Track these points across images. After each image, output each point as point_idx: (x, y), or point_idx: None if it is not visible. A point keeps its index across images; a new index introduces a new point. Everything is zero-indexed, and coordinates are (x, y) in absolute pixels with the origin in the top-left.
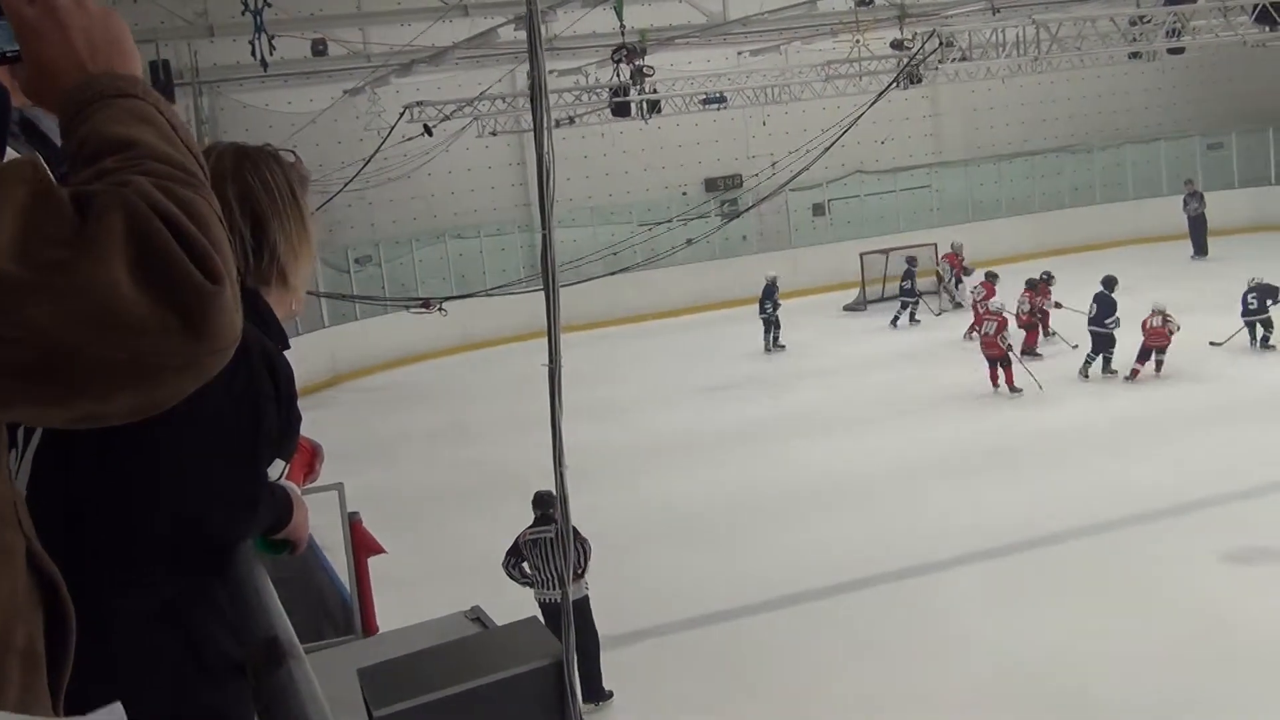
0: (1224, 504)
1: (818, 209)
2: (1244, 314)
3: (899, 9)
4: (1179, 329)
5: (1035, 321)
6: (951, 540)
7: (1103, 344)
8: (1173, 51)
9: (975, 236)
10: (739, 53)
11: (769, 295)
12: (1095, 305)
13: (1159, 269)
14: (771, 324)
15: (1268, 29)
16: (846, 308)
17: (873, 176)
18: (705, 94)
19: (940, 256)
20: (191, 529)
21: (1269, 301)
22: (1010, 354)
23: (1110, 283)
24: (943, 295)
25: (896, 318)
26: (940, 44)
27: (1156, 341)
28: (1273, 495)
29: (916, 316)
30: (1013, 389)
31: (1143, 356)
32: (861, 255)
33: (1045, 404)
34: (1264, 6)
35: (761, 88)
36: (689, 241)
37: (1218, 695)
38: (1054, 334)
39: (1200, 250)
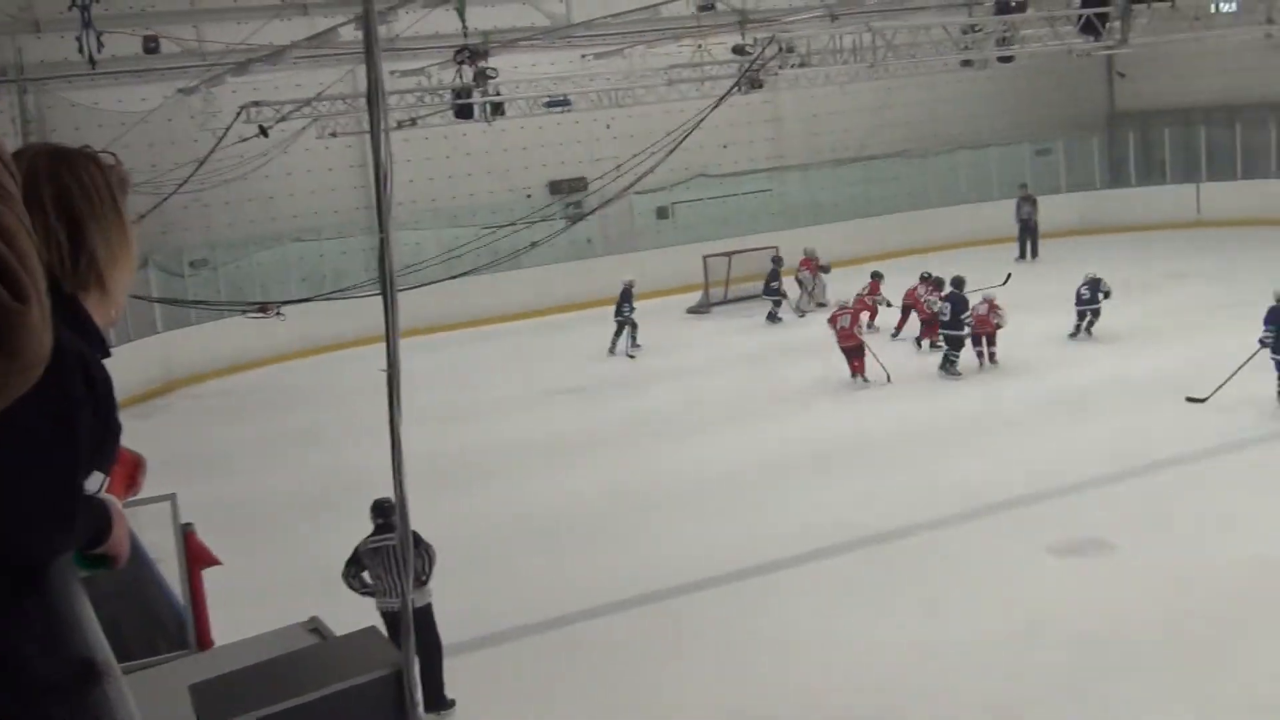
0: (1054, 498)
1: (661, 212)
2: (1078, 304)
3: (740, 15)
4: (1005, 324)
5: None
6: (800, 539)
7: (957, 344)
8: (1003, 60)
9: (816, 239)
10: (583, 56)
11: (626, 299)
12: (949, 305)
13: (993, 271)
14: (627, 325)
15: (1092, 39)
16: (690, 310)
17: (715, 180)
18: (549, 96)
19: (798, 263)
20: (2, 545)
21: (1100, 294)
22: (867, 346)
23: (960, 282)
24: (804, 296)
25: (772, 314)
26: (780, 50)
27: (982, 329)
28: (1101, 488)
29: (779, 315)
30: (864, 378)
31: (975, 343)
32: (705, 258)
33: (892, 400)
34: (1088, 18)
35: (605, 91)
36: (533, 244)
37: (1057, 686)
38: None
39: (1031, 253)
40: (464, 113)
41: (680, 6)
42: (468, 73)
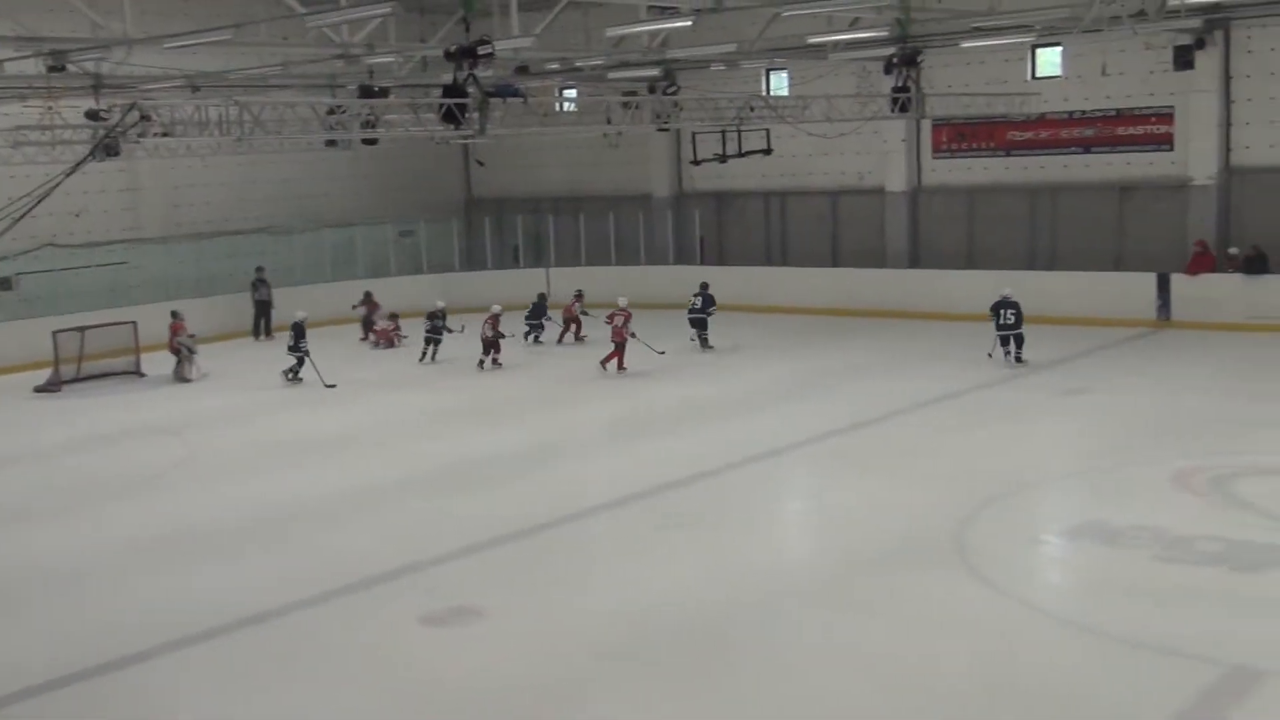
0: (425, 567)
1: (5, 283)
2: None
3: (94, 79)
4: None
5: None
6: (166, 628)
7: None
8: (367, 142)
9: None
10: None
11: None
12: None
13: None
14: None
15: (452, 128)
16: (39, 389)
17: (66, 251)
18: None
19: (169, 332)
20: None
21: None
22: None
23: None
24: (185, 364)
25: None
26: (140, 117)
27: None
28: (473, 555)
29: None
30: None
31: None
32: (55, 333)
33: (285, 474)
34: (449, 107)
35: None
36: None
37: None
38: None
39: (265, 332)
40: None
41: (28, 65)
42: None
